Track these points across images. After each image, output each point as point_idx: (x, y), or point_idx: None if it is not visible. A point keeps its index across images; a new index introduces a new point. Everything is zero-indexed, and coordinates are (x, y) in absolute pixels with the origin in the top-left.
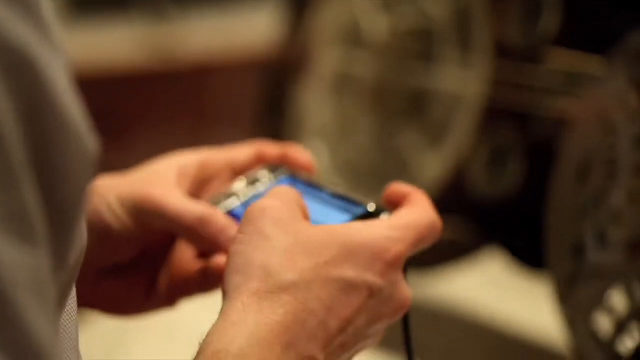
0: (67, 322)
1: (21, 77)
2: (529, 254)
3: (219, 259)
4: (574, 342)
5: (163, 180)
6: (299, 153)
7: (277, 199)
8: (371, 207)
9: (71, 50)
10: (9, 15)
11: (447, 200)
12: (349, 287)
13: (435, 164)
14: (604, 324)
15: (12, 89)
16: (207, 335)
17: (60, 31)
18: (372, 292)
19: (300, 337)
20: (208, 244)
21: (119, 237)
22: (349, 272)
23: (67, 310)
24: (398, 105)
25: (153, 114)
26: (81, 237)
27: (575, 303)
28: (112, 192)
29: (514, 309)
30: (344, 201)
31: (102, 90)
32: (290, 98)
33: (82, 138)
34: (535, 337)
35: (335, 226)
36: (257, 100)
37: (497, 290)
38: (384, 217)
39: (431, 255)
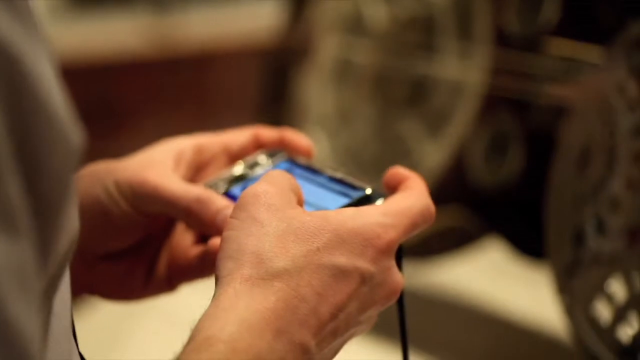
0: (60, 309)
1: (4, 71)
2: (529, 243)
3: (217, 242)
4: (574, 330)
5: (159, 164)
6: (297, 137)
7: (270, 183)
8: (369, 191)
9: (73, 39)
10: None
11: (447, 188)
12: (340, 273)
13: (435, 152)
14: (603, 311)
15: None
16: (199, 321)
17: (44, 23)
18: (364, 279)
19: (291, 323)
20: (205, 225)
21: (118, 222)
22: (341, 259)
23: (60, 298)
24: (398, 94)
25: (155, 102)
26: (70, 226)
27: (574, 291)
28: (110, 177)
29: (514, 297)
30: (342, 185)
31: (104, 78)
32: (291, 86)
33: (65, 130)
34: (535, 325)
35: (328, 212)
36: (259, 88)
37: (497, 277)
38: (380, 201)
39: (432, 243)
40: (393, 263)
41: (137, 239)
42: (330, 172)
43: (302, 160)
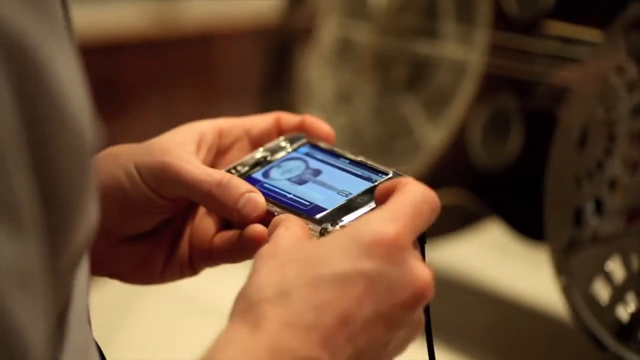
0: (77, 297)
1: (19, 67)
2: (528, 225)
3: (255, 230)
4: (573, 309)
5: (181, 147)
6: (318, 123)
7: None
8: (391, 174)
9: (77, 20)
10: (11, 4)
11: (447, 169)
12: (341, 280)
13: (435, 133)
14: (602, 291)
15: (9, 79)
16: (206, 354)
17: (71, 19)
18: (372, 280)
19: (293, 342)
20: (227, 210)
21: (138, 206)
22: (340, 265)
23: (78, 285)
24: (399, 75)
25: (158, 83)
26: (88, 221)
27: (573, 271)
28: (130, 160)
29: (514, 276)
30: (364, 168)
31: (107, 59)
32: (294, 66)
33: (80, 125)
34: (535, 304)
35: (335, 232)
36: (262, 68)
37: (497, 257)
38: None
39: (432, 223)
40: (411, 256)
41: (158, 222)
42: (351, 156)
43: (323, 144)
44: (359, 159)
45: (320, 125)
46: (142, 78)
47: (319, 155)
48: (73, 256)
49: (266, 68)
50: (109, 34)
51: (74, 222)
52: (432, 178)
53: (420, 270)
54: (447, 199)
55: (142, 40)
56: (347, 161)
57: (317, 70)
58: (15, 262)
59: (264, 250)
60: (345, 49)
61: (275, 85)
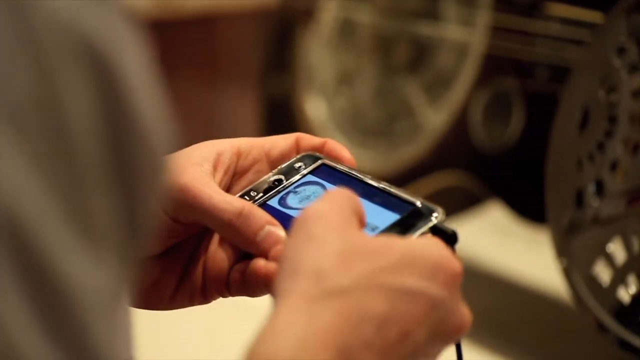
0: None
1: (98, 78)
2: (530, 207)
3: (259, 264)
4: (574, 291)
5: (197, 168)
6: (340, 148)
7: (331, 204)
8: (419, 204)
9: None
10: (86, 7)
11: (448, 150)
12: (409, 295)
13: (437, 115)
14: (603, 272)
15: (89, 91)
16: (255, 342)
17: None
18: (434, 304)
19: (353, 342)
20: (246, 242)
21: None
22: (410, 281)
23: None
24: (400, 57)
25: (159, 64)
26: (150, 234)
27: (574, 252)
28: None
29: (516, 258)
30: (389, 197)
31: None
32: (295, 48)
33: (155, 140)
34: (536, 285)
35: (392, 236)
36: (263, 50)
37: (499, 239)
38: (435, 216)
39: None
40: (461, 295)
41: (168, 246)
42: (373, 182)
43: (340, 166)
44: (381, 185)
45: (342, 152)
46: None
47: (338, 179)
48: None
49: (267, 50)
50: None
51: (142, 236)
52: (433, 160)
53: (466, 310)
54: (448, 181)
55: (143, 21)
56: (369, 187)
57: (318, 52)
58: (98, 288)
59: (330, 222)
60: (346, 31)
61: (276, 67)
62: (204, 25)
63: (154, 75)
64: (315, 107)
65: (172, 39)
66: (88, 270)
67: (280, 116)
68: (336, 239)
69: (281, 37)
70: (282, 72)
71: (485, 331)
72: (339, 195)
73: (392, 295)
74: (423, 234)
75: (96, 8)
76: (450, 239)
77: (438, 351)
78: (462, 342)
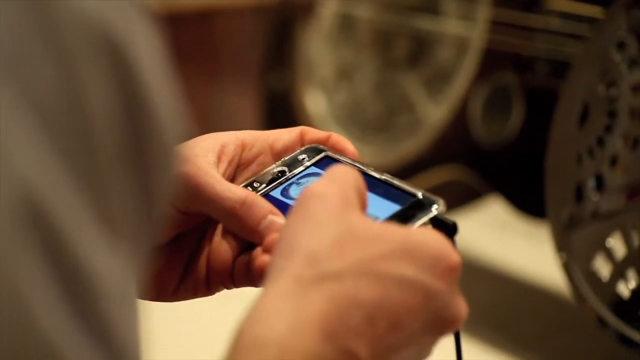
0: None
1: (117, 70)
2: (529, 202)
3: (264, 256)
4: (573, 286)
5: (201, 159)
6: (344, 142)
7: (333, 183)
8: (420, 196)
9: None
10: (106, 4)
11: (448, 145)
12: (404, 285)
13: (437, 109)
14: (602, 267)
15: (109, 84)
16: (245, 321)
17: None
18: (430, 296)
19: (341, 329)
20: (248, 231)
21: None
22: (407, 270)
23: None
24: (400, 51)
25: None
26: (160, 224)
27: (574, 247)
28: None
29: (515, 252)
30: (390, 188)
31: None
32: (295, 43)
33: (170, 134)
34: (536, 280)
35: (393, 224)
36: (263, 45)
37: (499, 233)
38: (435, 207)
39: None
40: (458, 288)
41: (172, 237)
42: (375, 173)
43: (343, 158)
44: (383, 177)
45: (345, 145)
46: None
47: None
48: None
49: (267, 45)
50: None
51: (154, 226)
52: (432, 155)
53: (463, 304)
54: (447, 175)
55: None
56: (371, 179)
57: (318, 47)
58: (117, 278)
59: (330, 203)
60: (346, 26)
61: (276, 62)
62: (204, 20)
63: (168, 69)
64: (315, 102)
65: (172, 35)
66: (108, 258)
67: (280, 111)
68: (334, 221)
69: (281, 32)
70: (282, 67)
71: (485, 325)
72: (342, 173)
73: (386, 283)
74: (423, 224)
75: (115, 4)
76: (450, 230)
77: (432, 342)
78: (462, 336)
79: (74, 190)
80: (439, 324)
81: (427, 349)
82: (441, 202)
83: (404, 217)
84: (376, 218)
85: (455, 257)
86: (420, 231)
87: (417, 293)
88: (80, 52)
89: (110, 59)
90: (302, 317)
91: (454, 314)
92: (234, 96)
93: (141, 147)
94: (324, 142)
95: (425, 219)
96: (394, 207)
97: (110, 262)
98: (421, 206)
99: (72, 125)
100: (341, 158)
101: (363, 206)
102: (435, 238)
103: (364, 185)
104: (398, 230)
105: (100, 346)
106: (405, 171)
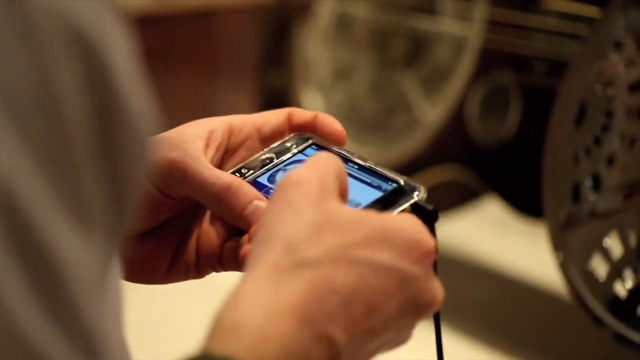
0: (112, 294)
1: (88, 65)
2: (526, 202)
3: (249, 245)
4: (570, 285)
5: (189, 145)
6: (331, 121)
7: (313, 170)
8: (402, 183)
9: None
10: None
11: (445, 144)
12: (380, 270)
13: (434, 109)
14: (599, 267)
15: (80, 78)
16: (223, 307)
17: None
18: (406, 280)
19: (318, 314)
20: (234, 216)
21: (146, 203)
22: (383, 256)
23: (112, 282)
24: (397, 51)
25: (156, 59)
26: (133, 215)
27: (571, 246)
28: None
29: (513, 252)
30: (373, 175)
31: None
32: (292, 43)
33: (138, 118)
34: (533, 279)
35: (369, 211)
36: (260, 44)
37: (496, 233)
38: (417, 194)
39: (430, 199)
40: (433, 272)
41: (161, 221)
42: (360, 161)
43: (330, 146)
44: (367, 164)
45: (333, 124)
46: (141, 54)
47: None
48: (116, 249)
49: (265, 44)
50: None
51: (126, 219)
52: (430, 154)
53: (439, 287)
54: (445, 175)
55: (140, 15)
56: (356, 167)
57: (315, 46)
58: (87, 265)
59: (309, 189)
60: (343, 25)
61: (273, 61)
62: (201, 20)
63: (139, 65)
64: (312, 101)
65: (170, 34)
66: (77, 246)
67: None
68: (312, 208)
69: (278, 31)
70: (280, 66)
71: (481, 324)
72: (323, 160)
73: (363, 269)
74: (404, 210)
75: (87, 2)
76: (430, 216)
77: (411, 326)
78: (457, 334)
79: (42, 179)
80: (416, 307)
81: (405, 332)
82: (422, 188)
83: (385, 203)
84: (358, 204)
85: (430, 242)
86: (396, 217)
87: (393, 278)
88: (51, 44)
89: (82, 53)
90: (279, 304)
91: (431, 297)
92: (231, 95)
93: (113, 140)
94: (311, 122)
95: (406, 205)
96: (377, 194)
97: (80, 250)
98: (403, 192)
99: (43, 116)
100: (327, 145)
101: (343, 193)
102: (411, 224)
103: (344, 172)
104: (374, 217)
105: (66, 330)
106: (403, 171)
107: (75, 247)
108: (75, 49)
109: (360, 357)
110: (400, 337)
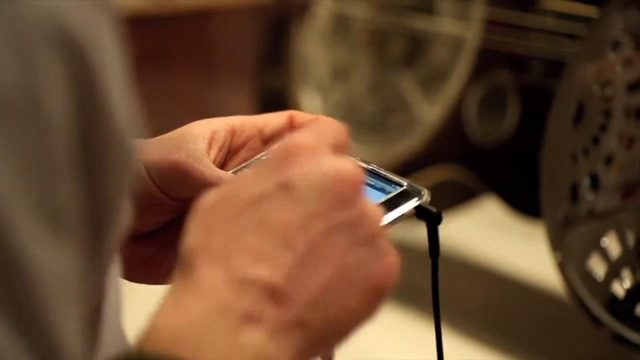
0: (110, 296)
1: (75, 70)
2: (524, 202)
3: None
4: (568, 285)
5: (191, 145)
6: (331, 122)
7: (313, 134)
8: (406, 186)
9: None
10: (68, 2)
11: (444, 144)
12: (258, 199)
13: (432, 109)
14: (597, 267)
15: (65, 83)
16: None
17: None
18: (289, 184)
19: (230, 255)
20: None
21: (145, 204)
22: (256, 187)
23: (110, 284)
24: (395, 51)
25: (154, 59)
26: (122, 223)
27: (569, 246)
28: (141, 157)
29: (511, 251)
30: (377, 179)
31: None
32: (290, 43)
33: (123, 129)
34: (531, 279)
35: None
36: (258, 45)
37: (494, 233)
38: (420, 197)
39: (431, 199)
40: (329, 157)
41: (164, 221)
42: (362, 164)
43: None
44: (370, 167)
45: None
46: (139, 54)
47: None
48: (107, 256)
49: (263, 45)
50: None
51: (111, 224)
52: (428, 154)
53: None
54: (443, 175)
55: (138, 16)
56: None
57: (313, 46)
58: (57, 272)
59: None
60: (341, 25)
61: (271, 61)
62: (200, 20)
63: (130, 69)
64: (310, 102)
65: (168, 34)
66: (49, 251)
67: (276, 110)
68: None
69: (276, 31)
70: (278, 66)
71: (480, 324)
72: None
73: (243, 210)
74: (408, 213)
75: (77, 3)
76: (435, 219)
77: (343, 217)
78: (457, 333)
79: (20, 186)
80: (327, 191)
81: (354, 224)
82: (426, 191)
83: (388, 206)
84: None
85: (348, 173)
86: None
87: (274, 194)
88: (39, 47)
89: (69, 56)
90: (190, 298)
91: (336, 177)
92: (229, 95)
93: (95, 150)
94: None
95: (410, 207)
96: (380, 196)
97: (51, 256)
98: (407, 195)
99: (24, 120)
100: None
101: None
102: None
103: (345, 136)
104: (272, 173)
105: (30, 335)
106: (401, 171)
107: (48, 253)
108: (63, 52)
109: (309, 291)
110: (370, 252)
